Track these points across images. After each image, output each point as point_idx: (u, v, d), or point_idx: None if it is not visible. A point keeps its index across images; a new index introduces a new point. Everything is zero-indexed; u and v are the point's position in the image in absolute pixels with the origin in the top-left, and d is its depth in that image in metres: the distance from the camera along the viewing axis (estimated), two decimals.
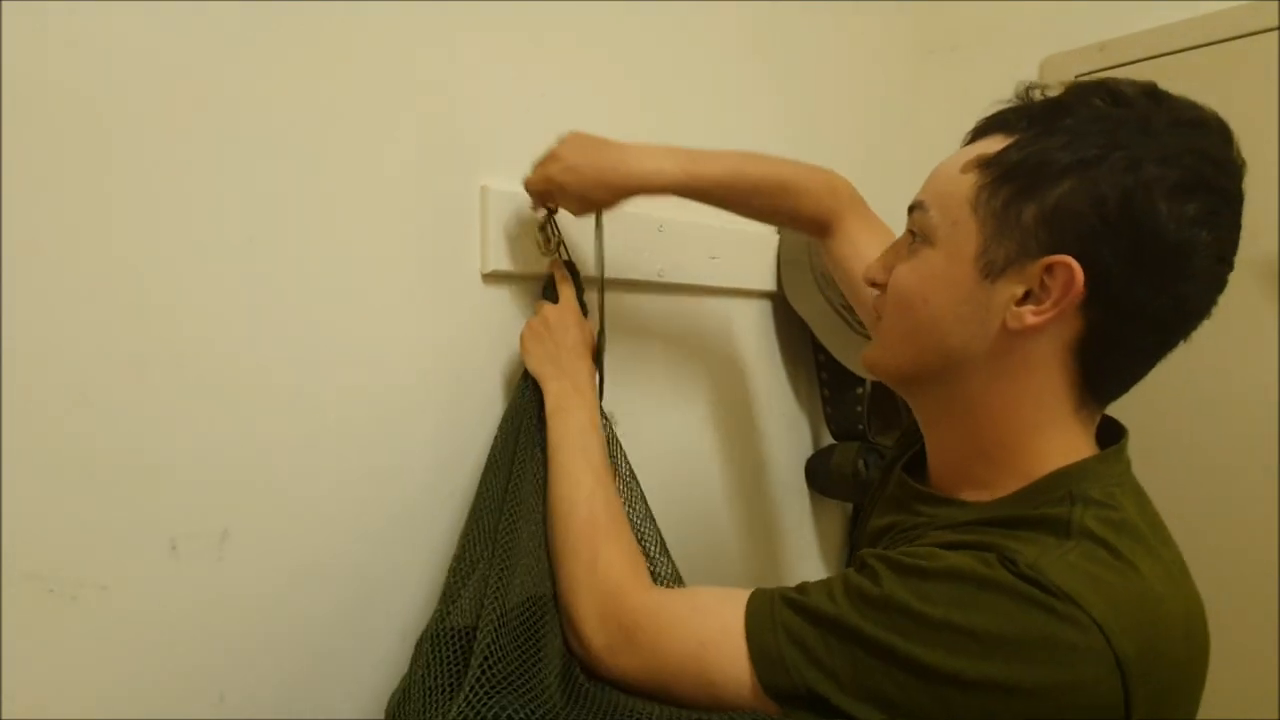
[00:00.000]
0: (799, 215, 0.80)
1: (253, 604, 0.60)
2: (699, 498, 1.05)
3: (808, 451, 1.22)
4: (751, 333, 1.12)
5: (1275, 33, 1.05)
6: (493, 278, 0.78)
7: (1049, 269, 0.49)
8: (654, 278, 0.94)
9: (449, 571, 0.66)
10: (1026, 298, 0.50)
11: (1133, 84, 0.50)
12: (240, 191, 0.58)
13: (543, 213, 0.78)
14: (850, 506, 1.29)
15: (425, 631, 0.61)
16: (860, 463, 1.10)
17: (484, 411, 0.77)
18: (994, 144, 0.52)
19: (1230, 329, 1.06)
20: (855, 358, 1.04)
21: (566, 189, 0.72)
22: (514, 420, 0.73)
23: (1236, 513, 1.09)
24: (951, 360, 0.54)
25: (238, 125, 0.58)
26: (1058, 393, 0.52)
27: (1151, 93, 0.50)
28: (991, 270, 0.51)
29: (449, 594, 0.64)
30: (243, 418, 0.59)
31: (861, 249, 0.79)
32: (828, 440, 1.23)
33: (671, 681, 0.53)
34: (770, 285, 1.12)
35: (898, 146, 1.40)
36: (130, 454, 0.54)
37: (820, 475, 1.18)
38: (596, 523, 0.62)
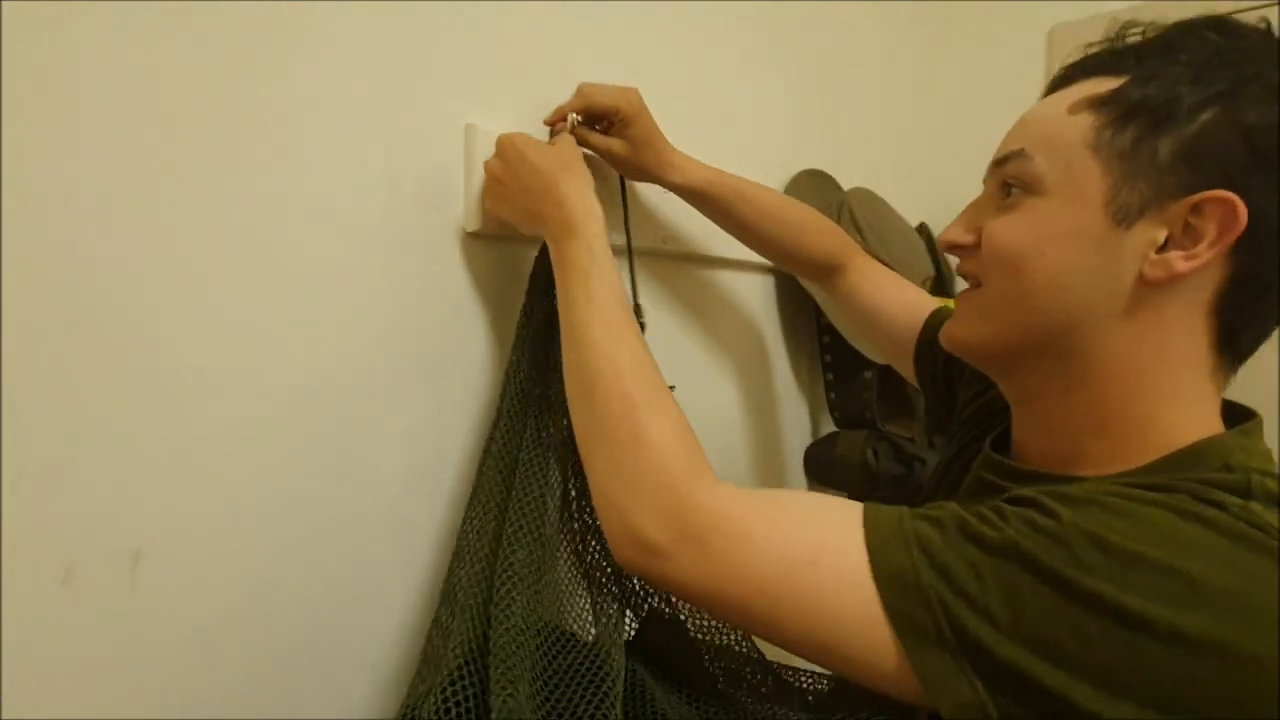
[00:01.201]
0: (812, 253, 0.83)
1: (175, 643, 0.48)
2: None
3: (807, 439, 1.14)
4: (753, 309, 1.04)
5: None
6: (479, 237, 0.67)
7: (1197, 207, 0.44)
8: (656, 244, 0.83)
9: (431, 626, 0.54)
10: (1167, 244, 0.45)
11: (1238, 19, 0.46)
12: (160, 122, 0.46)
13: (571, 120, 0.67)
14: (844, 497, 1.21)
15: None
16: (869, 452, 1.02)
17: (469, 397, 0.66)
18: (1099, 85, 0.47)
19: None
20: (869, 342, 0.95)
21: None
22: (520, 377, 0.59)
23: None
24: (1072, 322, 0.47)
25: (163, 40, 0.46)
26: (1194, 354, 0.47)
27: (1262, 26, 0.46)
28: (1126, 215, 0.45)
29: (430, 659, 0.51)
30: (164, 404, 0.47)
31: (878, 278, 0.83)
32: (828, 427, 1.14)
33: (756, 602, 0.43)
34: None
35: (905, 114, 1.34)
36: (11, 456, 0.41)
37: (822, 464, 1.09)
38: (629, 392, 0.50)
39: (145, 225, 0.46)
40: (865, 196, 1.08)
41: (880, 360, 0.99)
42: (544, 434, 0.57)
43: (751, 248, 0.85)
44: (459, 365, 0.66)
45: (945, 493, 0.62)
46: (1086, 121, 0.46)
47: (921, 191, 1.35)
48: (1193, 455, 0.44)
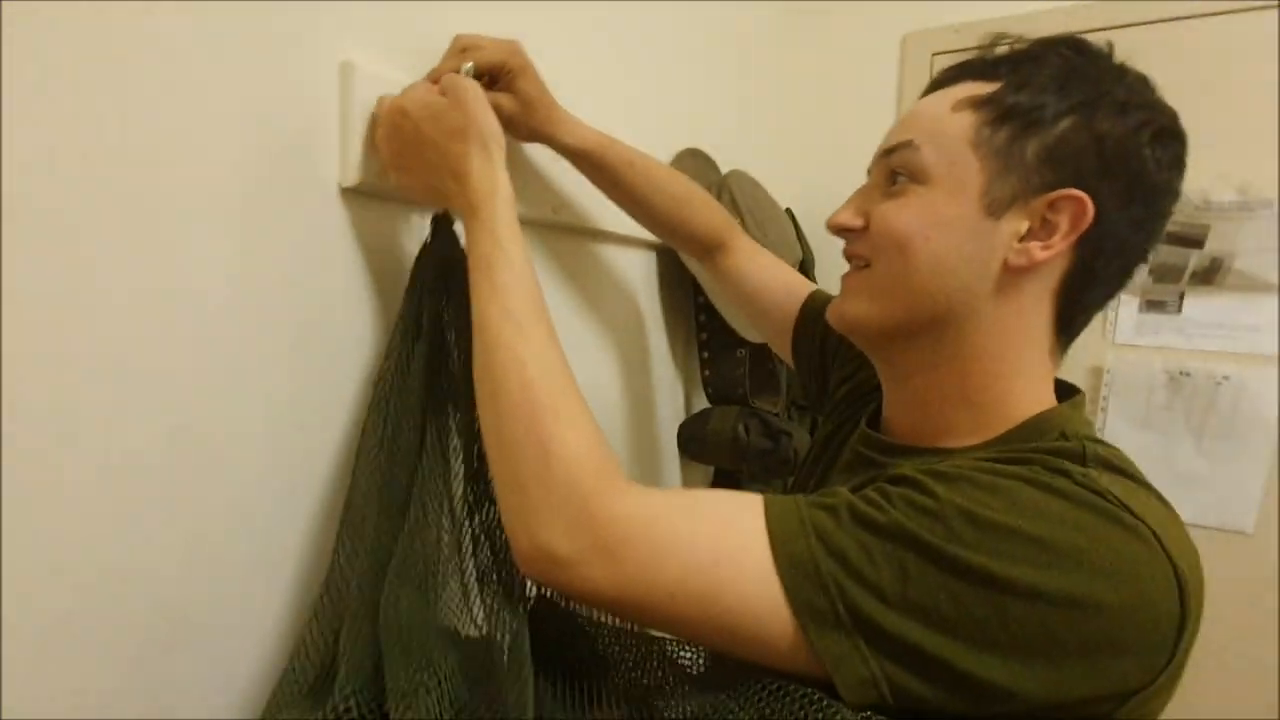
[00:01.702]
0: (697, 229, 0.84)
1: (18, 647, 0.41)
2: None
3: (681, 415, 1.17)
4: (634, 285, 1.04)
5: (1112, 31, 1.15)
6: (357, 194, 0.59)
7: (1054, 204, 0.49)
8: (548, 215, 0.81)
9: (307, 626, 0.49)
10: (1028, 235, 0.50)
11: (1091, 41, 0.53)
12: None
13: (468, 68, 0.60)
14: (712, 472, 1.26)
15: None
16: (740, 427, 1.06)
17: (347, 376, 0.60)
18: (977, 88, 0.52)
19: None
20: (748, 321, 0.98)
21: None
22: (405, 345, 0.54)
23: None
24: (950, 303, 0.52)
25: None
26: (1041, 335, 0.53)
27: (1109, 50, 0.53)
28: (996, 207, 0.50)
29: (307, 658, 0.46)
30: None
31: (759, 259, 0.87)
32: (702, 403, 1.18)
33: (666, 607, 0.44)
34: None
35: (775, 103, 1.38)
36: None
37: (695, 440, 1.13)
38: (536, 399, 0.48)
39: None
40: (744, 179, 1.12)
41: (757, 339, 1.03)
42: (440, 423, 0.53)
43: (637, 219, 0.84)
44: (334, 340, 0.59)
45: (824, 467, 0.66)
46: (968, 120, 0.51)
47: (788, 178, 1.41)
48: (1036, 426, 0.51)
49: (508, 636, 0.47)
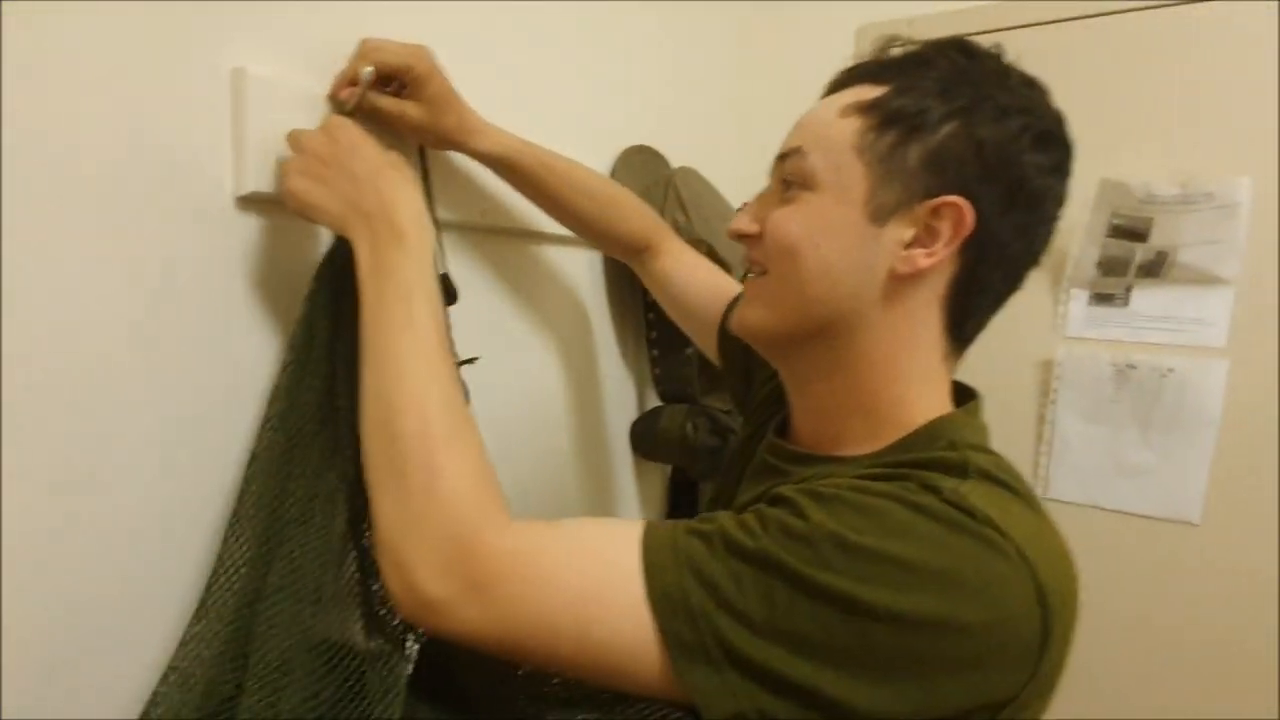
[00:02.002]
0: (623, 232, 0.84)
1: None
2: (514, 461, 0.94)
3: (633, 414, 1.16)
4: (580, 286, 1.03)
5: (1059, 24, 1.15)
6: (252, 203, 0.57)
7: (936, 210, 0.49)
8: (475, 219, 0.80)
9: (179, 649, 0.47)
10: (913, 243, 0.50)
11: (980, 44, 0.52)
12: None
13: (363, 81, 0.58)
14: (669, 470, 1.25)
15: None
16: (689, 425, 1.06)
17: (240, 395, 0.57)
18: (866, 92, 0.52)
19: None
20: (678, 322, 0.97)
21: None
22: (322, 333, 0.53)
23: None
24: (840, 310, 0.52)
25: None
26: (932, 341, 0.53)
27: (998, 53, 0.52)
28: (880, 214, 0.50)
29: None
30: None
31: (686, 262, 0.86)
32: (653, 402, 1.17)
33: (539, 643, 0.43)
34: None
35: (727, 100, 1.37)
36: None
37: (646, 439, 1.12)
38: (431, 434, 0.47)
39: None
40: (690, 175, 1.11)
41: (688, 334, 1.02)
42: (336, 443, 0.52)
43: (562, 223, 0.84)
44: (228, 358, 0.57)
45: (738, 473, 0.66)
46: (854, 125, 0.51)
47: (741, 175, 1.40)
48: (928, 433, 0.51)
49: (388, 656, 0.47)
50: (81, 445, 0.48)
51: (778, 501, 0.45)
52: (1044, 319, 1.16)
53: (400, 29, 0.66)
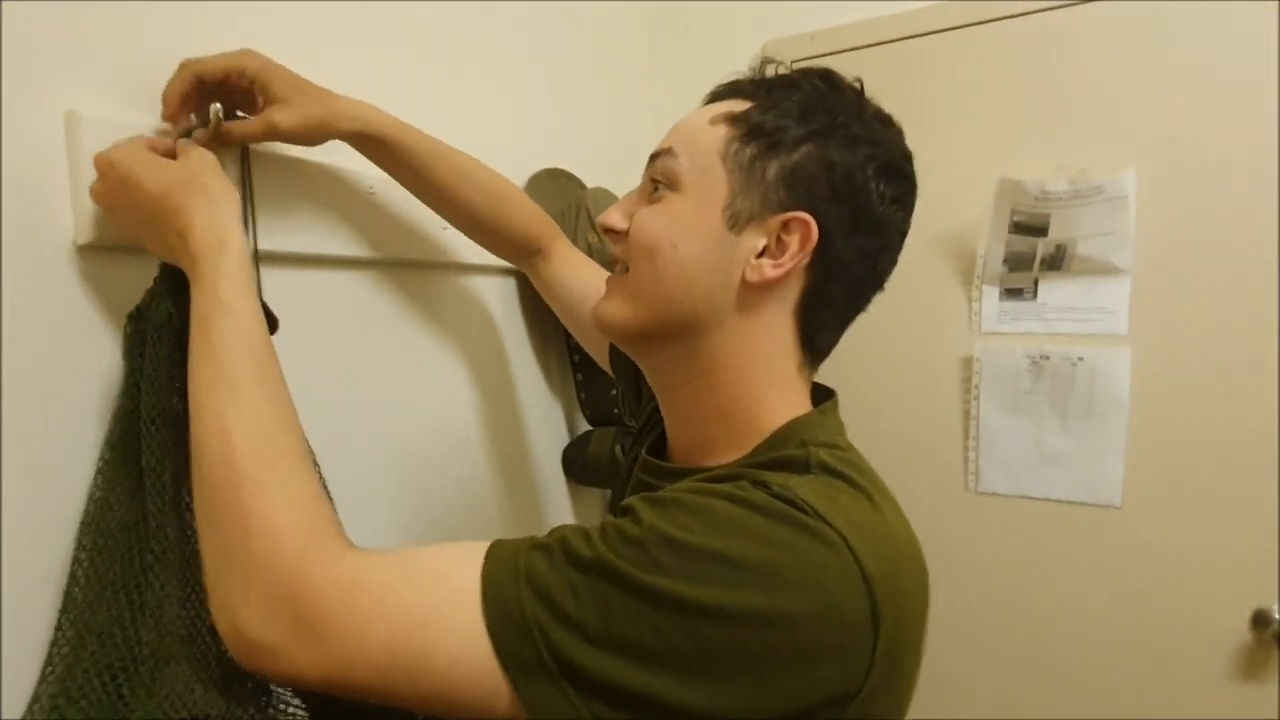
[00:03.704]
0: (515, 229, 0.82)
1: None
2: (449, 495, 0.92)
3: (564, 440, 1.15)
4: (497, 315, 1.02)
5: (954, 31, 1.19)
6: (95, 250, 0.55)
7: (787, 224, 0.51)
8: (368, 252, 0.78)
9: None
10: (764, 253, 0.52)
11: (843, 76, 0.56)
12: None
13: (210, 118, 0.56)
14: (609, 495, 1.24)
15: None
16: (617, 448, 1.05)
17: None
18: (737, 105, 0.54)
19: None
20: (572, 330, 0.95)
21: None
22: (133, 394, 0.50)
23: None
24: (696, 312, 0.53)
25: None
26: (785, 350, 0.54)
27: (859, 86, 0.56)
28: (737, 221, 0.52)
29: None
30: None
31: (579, 267, 0.86)
32: (583, 427, 1.16)
33: (378, 680, 0.41)
34: None
35: (638, 117, 1.38)
36: None
37: (578, 463, 1.11)
38: (238, 469, 0.44)
39: None
40: (603, 196, 1.11)
41: (579, 341, 1.00)
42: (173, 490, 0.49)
43: (447, 217, 0.80)
44: (77, 402, 0.54)
45: (621, 491, 0.66)
46: (721, 133, 0.52)
47: None
48: (782, 436, 0.52)
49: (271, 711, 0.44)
50: None
51: (624, 511, 0.46)
52: (960, 316, 1.19)
53: (279, 57, 0.64)
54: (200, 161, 0.53)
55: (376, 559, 0.44)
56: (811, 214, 0.51)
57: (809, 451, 0.49)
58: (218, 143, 0.58)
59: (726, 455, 0.53)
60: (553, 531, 0.45)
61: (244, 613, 0.42)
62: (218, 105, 0.56)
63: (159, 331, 0.50)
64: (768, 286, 0.52)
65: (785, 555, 0.41)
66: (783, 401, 0.54)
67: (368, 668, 0.41)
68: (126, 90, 0.56)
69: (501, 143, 1.01)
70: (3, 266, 0.49)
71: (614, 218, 0.56)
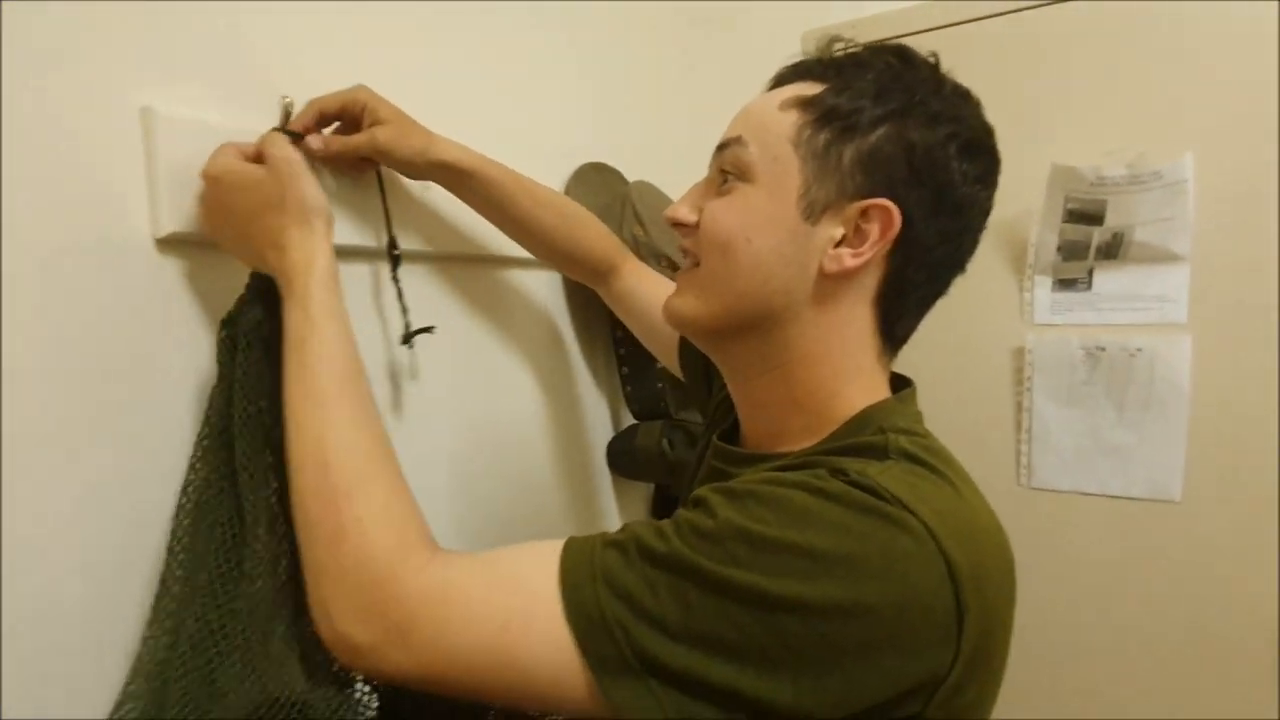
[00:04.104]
0: (590, 251, 0.83)
1: None
2: (492, 489, 0.93)
3: (608, 434, 1.14)
4: (544, 308, 1.02)
5: (1002, 16, 1.17)
6: (174, 244, 0.56)
7: (865, 212, 0.49)
8: (421, 246, 0.78)
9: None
10: (841, 242, 0.50)
11: (918, 51, 0.54)
12: None
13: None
14: (653, 488, 1.24)
15: None
16: (665, 442, 1.05)
17: (167, 439, 0.55)
18: (806, 89, 0.52)
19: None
20: (642, 340, 0.96)
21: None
22: (225, 395, 0.52)
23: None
24: (772, 306, 0.52)
25: None
26: (864, 340, 0.53)
27: (934, 61, 0.53)
28: (812, 211, 0.50)
29: None
30: None
31: (647, 281, 0.86)
32: (628, 421, 1.16)
33: (470, 679, 0.43)
34: None
35: (678, 110, 1.38)
36: None
37: (623, 457, 1.10)
38: (332, 484, 0.46)
39: None
40: (647, 189, 1.10)
41: (652, 351, 1.00)
42: (265, 489, 0.50)
43: (524, 242, 0.82)
44: (161, 392, 0.55)
45: (692, 480, 0.65)
46: (792, 119, 0.51)
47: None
48: (858, 423, 0.51)
49: (338, 706, 0.45)
50: (8, 509, 0.46)
51: (697, 504, 0.45)
52: (1011, 307, 1.17)
53: (328, 59, 0.65)
54: (289, 171, 0.53)
55: (459, 566, 0.46)
56: (891, 199, 0.49)
57: (887, 438, 0.48)
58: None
59: (801, 442, 0.52)
60: (624, 528, 0.45)
61: (340, 618, 0.44)
62: (288, 97, 0.57)
63: (248, 337, 0.52)
64: (846, 276, 0.50)
65: (865, 545, 0.41)
66: (860, 390, 0.53)
67: (458, 669, 0.43)
68: (200, 86, 0.57)
69: (546, 138, 1.02)
70: (85, 261, 0.50)
71: (682, 211, 0.55)
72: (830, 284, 0.51)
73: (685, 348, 0.79)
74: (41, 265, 0.48)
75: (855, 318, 0.52)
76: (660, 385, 1.08)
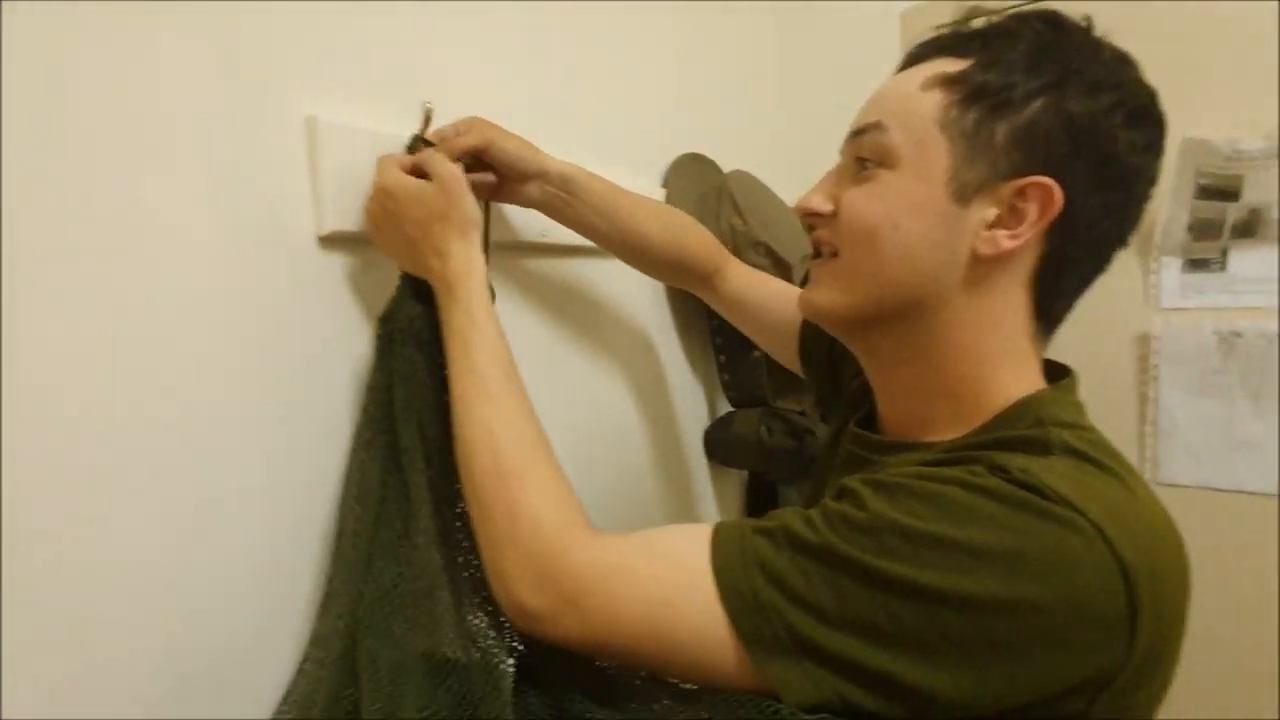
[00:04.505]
0: (694, 258, 0.83)
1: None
2: (588, 476, 0.95)
3: (705, 421, 1.16)
4: (640, 298, 1.04)
5: None
6: (335, 241, 0.61)
7: (1022, 191, 0.47)
8: (536, 238, 0.82)
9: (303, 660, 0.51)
10: (995, 223, 0.48)
11: (1068, 16, 0.50)
12: None
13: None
14: (747, 476, 1.24)
15: None
16: (763, 429, 1.05)
17: (334, 420, 0.61)
18: (948, 65, 0.50)
19: None
20: (755, 338, 0.95)
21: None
22: (384, 386, 0.57)
23: None
24: (921, 293, 0.50)
25: None
26: (1018, 323, 0.51)
27: (1088, 25, 0.50)
28: (964, 193, 0.48)
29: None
30: None
31: (755, 277, 0.85)
32: (725, 408, 1.17)
33: (630, 647, 0.46)
34: None
35: (773, 96, 1.37)
36: None
37: (721, 445, 1.12)
38: (503, 468, 0.51)
39: None
40: (744, 179, 1.11)
41: (766, 349, 1.01)
42: (420, 457, 0.55)
43: (630, 256, 0.82)
44: (327, 384, 0.60)
45: (824, 468, 0.65)
46: (936, 99, 0.49)
47: (794, 172, 1.38)
48: (1014, 414, 0.49)
49: (499, 663, 0.49)
50: (197, 489, 0.52)
51: (843, 494, 0.45)
52: (1134, 291, 1.10)
53: (450, 59, 0.69)
54: (455, 187, 0.58)
55: (620, 544, 0.49)
56: (1050, 175, 0.46)
57: (1048, 432, 0.45)
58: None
59: (949, 431, 0.51)
60: (772, 516, 0.46)
61: (516, 587, 0.48)
62: (429, 102, 0.61)
63: (404, 334, 0.57)
64: (1001, 259, 0.48)
65: (1026, 541, 0.40)
66: (1014, 377, 0.50)
67: (622, 637, 0.46)
68: (360, 97, 0.63)
69: (643, 131, 1.04)
70: (254, 260, 0.56)
71: (816, 200, 0.54)
72: (983, 267, 0.48)
73: (807, 342, 0.78)
74: (225, 262, 0.54)
75: (1009, 301, 0.50)
76: (758, 372, 1.08)
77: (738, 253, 1.04)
